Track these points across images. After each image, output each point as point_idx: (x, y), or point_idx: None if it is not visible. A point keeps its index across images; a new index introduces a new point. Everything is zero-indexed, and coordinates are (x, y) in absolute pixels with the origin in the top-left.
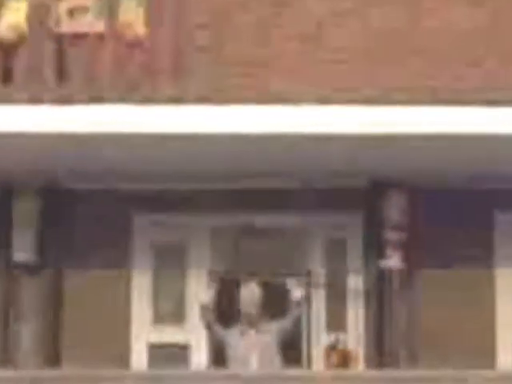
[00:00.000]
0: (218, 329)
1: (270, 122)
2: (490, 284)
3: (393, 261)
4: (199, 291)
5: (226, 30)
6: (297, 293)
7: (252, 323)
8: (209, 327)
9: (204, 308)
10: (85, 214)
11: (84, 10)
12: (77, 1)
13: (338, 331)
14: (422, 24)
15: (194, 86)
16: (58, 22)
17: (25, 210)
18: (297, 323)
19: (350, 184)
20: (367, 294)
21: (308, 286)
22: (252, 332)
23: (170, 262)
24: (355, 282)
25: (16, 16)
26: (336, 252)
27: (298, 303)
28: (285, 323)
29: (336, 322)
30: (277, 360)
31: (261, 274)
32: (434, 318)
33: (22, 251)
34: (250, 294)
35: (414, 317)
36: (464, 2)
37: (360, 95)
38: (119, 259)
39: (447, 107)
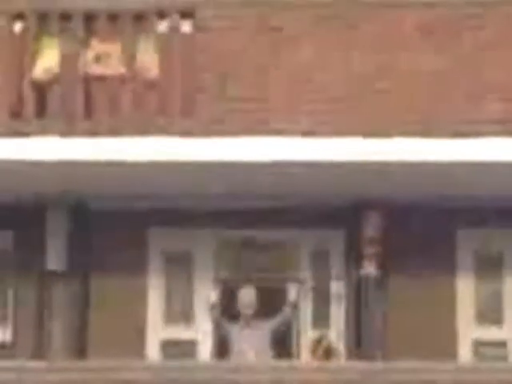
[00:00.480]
0: (224, 324)
1: (266, 151)
2: (451, 289)
3: (369, 269)
4: (205, 294)
5: (227, 72)
6: (293, 295)
7: (249, 321)
8: (216, 323)
9: (213, 306)
10: (108, 228)
11: (108, 55)
12: (102, 48)
13: (322, 328)
14: (396, 68)
15: (200, 121)
16: (86, 66)
17: (57, 226)
18: (288, 323)
19: (334, 205)
20: (347, 297)
21: (298, 290)
22: (249, 329)
23: (180, 269)
24: (337, 287)
25: (50, 60)
26: (321, 262)
27: (293, 304)
28: (276, 323)
29: (321, 320)
30: (270, 353)
31: (258, 279)
32: (403, 317)
33: (54, 260)
34: (248, 296)
35: (387, 316)
36: (431, 49)
37: (342, 129)
38: (137, 266)
39: (417, 139)
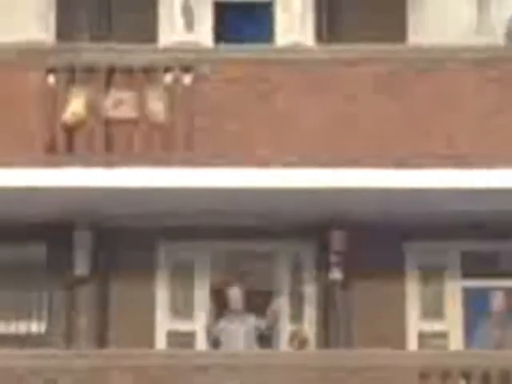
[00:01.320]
0: (216, 327)
1: (252, 179)
2: (401, 290)
3: (336, 275)
4: (203, 294)
5: (220, 115)
6: (277, 305)
7: (238, 315)
8: (210, 325)
9: (208, 325)
10: (122, 241)
11: (123, 102)
12: (118, 96)
13: (298, 323)
14: (357, 113)
15: (198, 154)
16: (106, 111)
17: (82, 240)
18: (271, 328)
19: (308, 223)
20: (318, 298)
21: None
22: (238, 321)
23: (183, 275)
24: (310, 289)
25: (77, 106)
26: (297, 269)
27: (275, 312)
28: (262, 324)
29: (297, 317)
30: (255, 343)
31: (245, 282)
32: (363, 313)
33: (80, 267)
34: (235, 294)
35: (351, 312)
36: (385, 96)
37: (316, 161)
38: (147, 272)
39: (371, 170)
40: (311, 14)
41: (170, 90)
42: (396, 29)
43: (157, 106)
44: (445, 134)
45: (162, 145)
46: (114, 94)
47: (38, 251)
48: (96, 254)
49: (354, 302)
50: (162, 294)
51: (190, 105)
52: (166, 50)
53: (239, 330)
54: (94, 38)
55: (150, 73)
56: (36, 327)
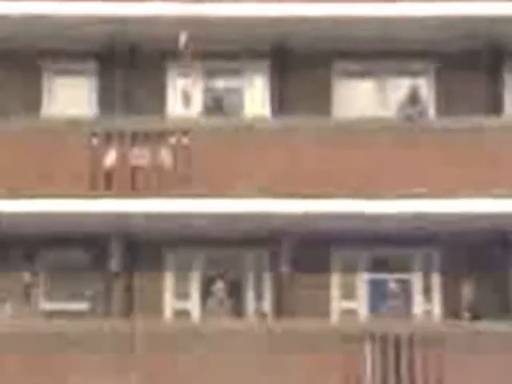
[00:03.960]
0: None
1: (230, 206)
2: (327, 282)
3: (285, 269)
4: (196, 285)
5: (210, 164)
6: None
7: (222, 302)
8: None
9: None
10: (142, 250)
11: (143, 156)
12: (139, 152)
13: (260, 302)
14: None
15: (195, 189)
16: (131, 161)
17: (115, 249)
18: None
19: (267, 235)
20: (273, 285)
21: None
22: (222, 305)
23: (183, 270)
24: (267, 279)
25: (112, 158)
26: (259, 265)
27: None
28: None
29: (259, 299)
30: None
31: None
32: (303, 296)
33: (114, 265)
34: (221, 285)
35: (296, 294)
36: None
37: (273, 192)
38: (158, 269)
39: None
40: (268, 93)
41: (173, 147)
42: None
43: (166, 158)
44: None
45: (169, 183)
46: (137, 150)
47: (81, 255)
48: (124, 259)
49: (297, 287)
50: (169, 283)
51: (188, 157)
52: (171, 120)
53: (221, 311)
54: (122, 112)
55: (160, 136)
56: (87, 305)
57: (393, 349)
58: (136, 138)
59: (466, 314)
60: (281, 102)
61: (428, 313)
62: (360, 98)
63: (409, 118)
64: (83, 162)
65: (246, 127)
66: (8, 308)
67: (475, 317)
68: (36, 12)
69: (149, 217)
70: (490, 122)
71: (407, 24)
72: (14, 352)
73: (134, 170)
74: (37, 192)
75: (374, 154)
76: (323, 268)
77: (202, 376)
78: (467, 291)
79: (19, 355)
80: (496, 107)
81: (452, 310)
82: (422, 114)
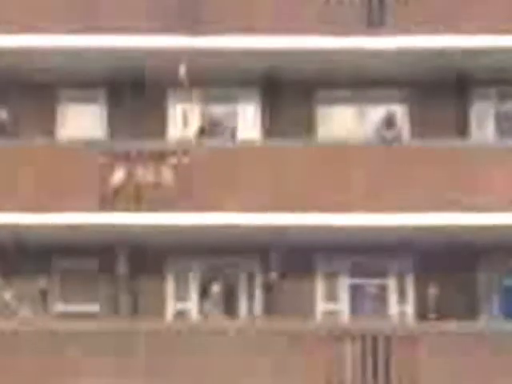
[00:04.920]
0: (205, 308)
1: (231, 220)
2: (312, 285)
3: (273, 276)
4: (195, 288)
5: (207, 181)
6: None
7: (217, 302)
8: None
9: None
10: (145, 257)
11: (146, 173)
12: (143, 171)
13: (252, 305)
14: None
15: (192, 206)
16: (136, 178)
17: (121, 255)
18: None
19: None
20: (264, 289)
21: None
22: (216, 305)
23: (182, 277)
24: (257, 285)
25: (119, 176)
26: (250, 273)
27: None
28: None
29: (251, 301)
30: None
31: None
32: (284, 298)
33: (120, 272)
34: (216, 288)
35: (282, 296)
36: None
37: (258, 208)
38: (160, 275)
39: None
40: (258, 117)
41: (175, 166)
42: (309, 127)
43: (167, 175)
44: None
45: (170, 198)
46: (142, 168)
47: (94, 262)
48: (130, 263)
49: (289, 294)
50: (170, 287)
51: (188, 175)
52: (171, 141)
53: (216, 310)
54: (128, 134)
55: (162, 155)
56: (96, 307)
57: (371, 347)
58: (140, 157)
59: (432, 315)
60: (270, 126)
61: (402, 314)
62: (341, 123)
63: (385, 141)
64: (93, 179)
65: (238, 148)
66: (26, 309)
67: (441, 317)
68: (52, 46)
69: (152, 228)
70: (458, 143)
71: (384, 56)
72: (30, 350)
73: (139, 186)
74: (52, 206)
75: (353, 172)
76: (308, 274)
77: (200, 371)
78: (433, 294)
79: (34, 353)
80: (463, 131)
81: (423, 311)
82: (397, 137)
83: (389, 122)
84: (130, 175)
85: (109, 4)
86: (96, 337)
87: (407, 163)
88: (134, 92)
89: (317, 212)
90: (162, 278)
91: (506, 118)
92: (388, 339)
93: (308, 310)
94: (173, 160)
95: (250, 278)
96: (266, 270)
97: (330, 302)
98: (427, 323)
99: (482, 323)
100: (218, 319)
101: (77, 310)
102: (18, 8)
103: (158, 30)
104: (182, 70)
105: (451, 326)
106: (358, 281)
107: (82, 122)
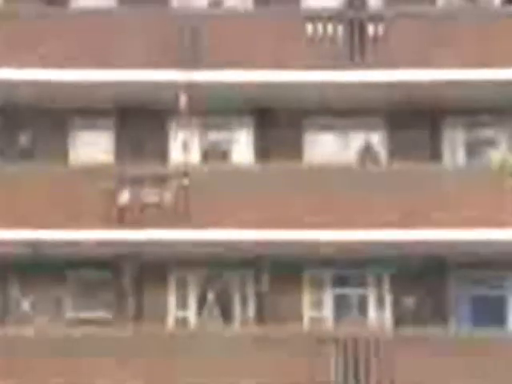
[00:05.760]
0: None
1: (227, 236)
2: (301, 295)
3: (264, 286)
4: (193, 294)
5: (204, 199)
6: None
7: (213, 311)
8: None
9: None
10: (149, 269)
11: (149, 195)
12: (147, 191)
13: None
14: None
15: (189, 222)
16: (141, 199)
17: (126, 269)
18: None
19: (247, 260)
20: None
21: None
22: (212, 311)
23: (182, 287)
24: (250, 295)
25: (125, 197)
26: (246, 284)
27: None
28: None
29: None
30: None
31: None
32: (281, 308)
33: (125, 284)
34: (211, 296)
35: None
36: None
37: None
38: (163, 285)
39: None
40: (252, 143)
41: (174, 187)
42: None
43: (168, 196)
44: None
45: (171, 216)
46: (145, 191)
47: (104, 274)
48: (136, 275)
49: (279, 302)
50: (171, 295)
51: (187, 197)
52: (173, 166)
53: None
54: (134, 159)
55: (164, 178)
56: (105, 314)
57: (352, 354)
58: (144, 180)
59: (408, 321)
60: (262, 151)
61: (381, 320)
62: (326, 148)
63: (365, 164)
64: (102, 199)
65: (234, 171)
66: (42, 317)
67: (415, 323)
68: (66, 79)
69: (154, 244)
70: (431, 167)
71: (365, 88)
72: (45, 353)
73: (143, 206)
74: (66, 223)
75: (336, 193)
76: (297, 284)
77: (198, 371)
78: (408, 303)
79: (50, 356)
80: (436, 156)
81: (399, 318)
82: (376, 161)
83: (368, 147)
84: (135, 196)
85: (117, 42)
86: (105, 340)
87: (384, 185)
88: (139, 121)
89: (303, 229)
90: (165, 289)
91: (474, 144)
92: (368, 343)
93: (296, 317)
94: (174, 182)
95: (243, 288)
96: (259, 281)
97: (316, 309)
98: (403, 329)
99: (452, 329)
100: (214, 325)
101: (88, 317)
102: (40, 46)
103: (160, 65)
104: (183, 100)
105: (424, 331)
106: (340, 291)
107: (92, 147)
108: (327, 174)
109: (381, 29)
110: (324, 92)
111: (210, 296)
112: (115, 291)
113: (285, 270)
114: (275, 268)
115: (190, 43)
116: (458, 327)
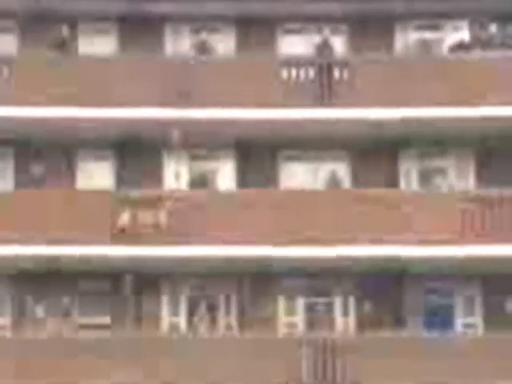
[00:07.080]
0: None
1: (212, 252)
2: (276, 304)
3: (246, 295)
4: (185, 304)
5: (198, 217)
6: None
7: (202, 317)
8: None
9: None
10: (151, 282)
11: (146, 216)
12: (145, 213)
13: (229, 318)
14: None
15: (180, 239)
16: (139, 220)
17: (127, 281)
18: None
19: (229, 272)
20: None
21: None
22: (202, 319)
23: (175, 296)
24: (233, 303)
25: (125, 217)
26: (229, 293)
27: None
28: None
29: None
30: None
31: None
32: (256, 315)
33: (126, 293)
34: (203, 305)
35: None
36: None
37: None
38: (156, 294)
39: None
40: (234, 172)
41: (170, 208)
42: (273, 180)
43: (163, 218)
44: None
45: (164, 235)
46: (143, 213)
47: (106, 284)
48: (134, 286)
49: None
50: (164, 306)
51: (178, 217)
52: (166, 191)
53: (204, 320)
54: (132, 186)
55: (159, 202)
56: (105, 320)
57: (321, 354)
58: (141, 203)
59: (367, 326)
60: (243, 179)
61: (346, 324)
62: (298, 176)
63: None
64: (105, 220)
65: (218, 196)
66: (52, 323)
67: (376, 328)
68: (72, 116)
69: (150, 258)
70: (389, 192)
71: (332, 124)
72: (57, 355)
73: (140, 226)
74: (73, 240)
75: (308, 215)
76: (273, 295)
77: (188, 371)
78: (369, 310)
79: (61, 357)
80: (393, 183)
81: (362, 323)
82: (341, 187)
83: (334, 175)
84: (133, 217)
85: (117, 84)
86: (107, 343)
87: (348, 207)
88: (137, 152)
89: (279, 246)
90: (159, 298)
91: (426, 172)
92: (334, 346)
93: (272, 323)
94: (167, 206)
95: (229, 297)
96: (240, 291)
97: (290, 316)
98: (365, 333)
99: (408, 333)
100: (203, 331)
101: (92, 322)
102: (49, 88)
103: (156, 104)
104: (175, 135)
105: (384, 335)
106: (311, 300)
107: (96, 175)
108: (300, 199)
109: (346, 73)
110: (297, 128)
111: (200, 304)
112: (116, 300)
113: (263, 281)
114: (255, 280)
115: (182, 86)
116: (413, 331)
